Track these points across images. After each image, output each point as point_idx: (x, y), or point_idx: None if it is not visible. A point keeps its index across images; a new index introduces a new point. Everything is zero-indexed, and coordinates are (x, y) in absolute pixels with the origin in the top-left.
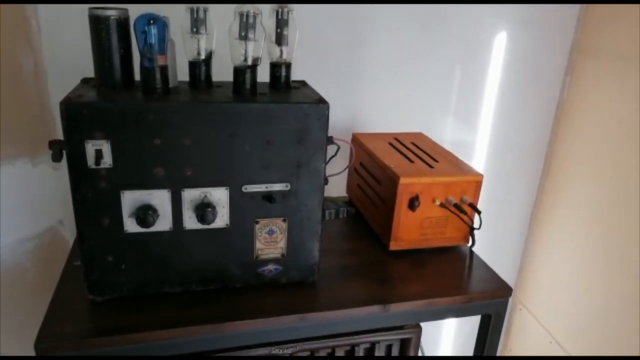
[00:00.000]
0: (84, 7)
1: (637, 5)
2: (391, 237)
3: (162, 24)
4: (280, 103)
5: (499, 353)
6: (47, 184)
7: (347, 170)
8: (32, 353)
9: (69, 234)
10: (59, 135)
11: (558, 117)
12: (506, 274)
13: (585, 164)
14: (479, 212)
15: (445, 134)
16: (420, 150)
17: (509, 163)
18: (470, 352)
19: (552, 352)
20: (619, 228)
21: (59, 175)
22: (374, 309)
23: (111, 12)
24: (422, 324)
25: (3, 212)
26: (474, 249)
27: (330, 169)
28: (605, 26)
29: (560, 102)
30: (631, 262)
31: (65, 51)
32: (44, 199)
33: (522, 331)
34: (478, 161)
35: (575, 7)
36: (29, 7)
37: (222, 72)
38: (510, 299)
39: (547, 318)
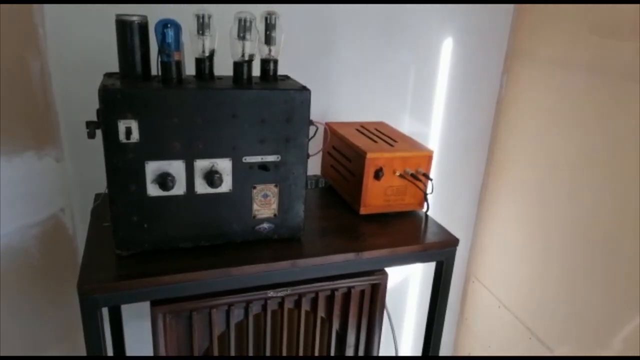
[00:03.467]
0: (86, 17)
1: (560, 15)
2: (361, 203)
3: (177, 27)
4: (273, 90)
5: (455, 323)
6: (50, 175)
7: (321, 156)
8: (35, 330)
9: (69, 221)
10: (63, 130)
11: (498, 111)
12: (460, 251)
13: (522, 151)
14: (430, 179)
15: (403, 126)
16: (382, 134)
17: (458, 153)
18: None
19: (500, 315)
20: (552, 206)
21: (61, 167)
22: (350, 255)
23: (134, 17)
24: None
25: (12, 199)
26: (428, 213)
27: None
28: (533, 33)
29: (499, 98)
30: (563, 236)
31: (68, 55)
32: (47, 189)
33: (474, 300)
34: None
35: (509, 16)
36: (38, 15)
37: (221, 68)
38: (464, 274)
39: (495, 286)
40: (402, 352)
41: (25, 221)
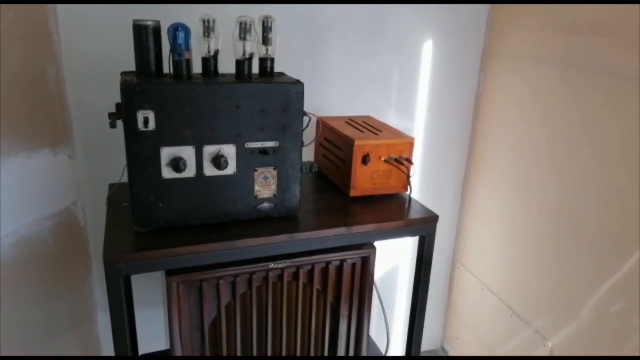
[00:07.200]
0: (96, 25)
1: (528, 15)
2: (350, 186)
3: (186, 30)
4: (270, 83)
5: (444, 309)
6: (64, 171)
7: (314, 148)
8: (53, 314)
9: (81, 214)
10: (75, 129)
11: (477, 106)
12: (446, 240)
13: (501, 143)
14: (411, 163)
15: (389, 121)
16: (369, 125)
17: (441, 147)
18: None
19: (483, 296)
20: (528, 194)
21: (73, 163)
22: (341, 230)
23: (149, 22)
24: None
25: (31, 192)
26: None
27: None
28: (506, 34)
29: (477, 94)
30: (538, 221)
31: (80, 60)
32: (61, 183)
33: (461, 285)
34: (415, 145)
35: (483, 18)
36: (52, 24)
37: (223, 67)
38: (451, 262)
39: (479, 271)
40: (393, 333)
41: (42, 213)
